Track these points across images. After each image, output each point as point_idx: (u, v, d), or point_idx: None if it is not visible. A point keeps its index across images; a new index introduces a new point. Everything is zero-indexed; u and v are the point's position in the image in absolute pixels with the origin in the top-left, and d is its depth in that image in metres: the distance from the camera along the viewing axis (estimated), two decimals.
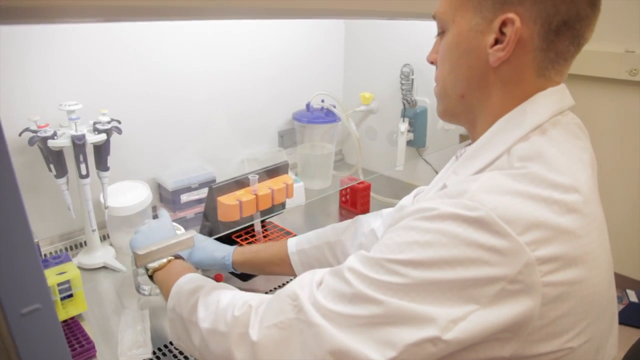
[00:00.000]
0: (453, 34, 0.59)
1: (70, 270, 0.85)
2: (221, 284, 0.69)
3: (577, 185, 0.51)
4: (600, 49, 1.70)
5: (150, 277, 0.82)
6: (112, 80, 1.12)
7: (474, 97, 0.60)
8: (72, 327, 0.86)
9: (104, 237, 1.16)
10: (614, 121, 1.77)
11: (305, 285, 0.55)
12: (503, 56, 0.55)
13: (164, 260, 0.79)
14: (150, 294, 0.98)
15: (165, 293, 0.73)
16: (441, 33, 0.62)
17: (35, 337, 0.53)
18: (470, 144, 0.63)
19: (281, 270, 0.94)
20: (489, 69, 0.57)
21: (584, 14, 0.54)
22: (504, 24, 0.54)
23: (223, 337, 0.58)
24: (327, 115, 1.44)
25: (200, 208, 1.25)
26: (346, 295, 0.51)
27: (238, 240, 1.09)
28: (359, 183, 1.36)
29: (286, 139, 1.55)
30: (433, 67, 1.49)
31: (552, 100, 0.57)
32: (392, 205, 1.42)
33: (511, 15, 0.53)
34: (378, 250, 0.52)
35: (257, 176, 1.05)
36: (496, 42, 0.55)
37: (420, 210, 0.51)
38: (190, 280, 0.71)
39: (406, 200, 0.89)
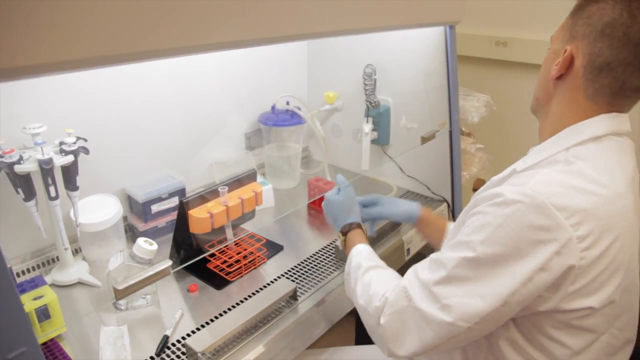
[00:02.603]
0: (548, 52, 0.80)
1: (46, 294, 0.87)
2: (374, 262, 0.92)
3: (614, 184, 0.68)
4: None
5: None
6: (75, 94, 1.11)
7: (542, 101, 0.81)
8: (52, 349, 0.88)
9: (76, 251, 1.17)
10: None
11: (413, 279, 0.76)
12: (556, 71, 0.75)
13: (342, 237, 1.05)
14: (127, 309, 1.01)
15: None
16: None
17: None
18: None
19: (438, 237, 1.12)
20: (550, 81, 0.77)
21: (627, 61, 0.68)
22: (565, 51, 0.74)
23: (370, 316, 0.81)
24: (293, 117, 1.47)
25: (171, 216, 1.27)
26: (443, 276, 0.70)
27: (209, 249, 1.12)
28: (325, 183, 1.40)
29: (253, 140, 1.57)
30: (395, 67, 1.54)
31: (612, 122, 0.73)
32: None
33: (569, 47, 0.73)
34: (463, 233, 0.71)
35: (227, 188, 1.07)
36: (558, 62, 0.75)
37: (492, 196, 0.69)
38: (358, 253, 0.95)
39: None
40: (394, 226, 1.34)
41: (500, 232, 0.66)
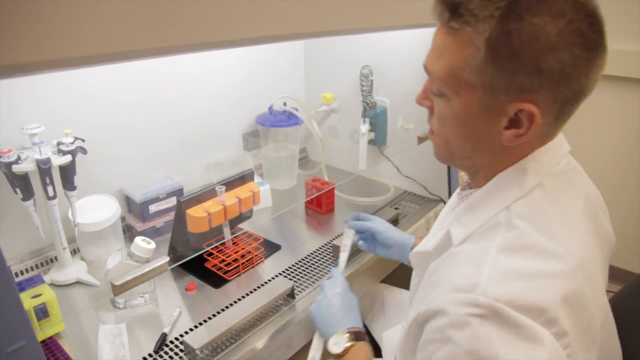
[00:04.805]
0: (460, 108, 0.59)
1: (45, 293, 0.87)
2: None
3: (569, 246, 0.58)
4: (622, 48, 1.73)
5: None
6: (72, 95, 1.12)
7: (480, 159, 0.64)
8: (51, 347, 0.88)
9: (74, 251, 1.17)
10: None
11: None
12: (521, 140, 0.58)
13: (346, 345, 0.82)
14: (125, 307, 1.02)
15: None
16: (440, 95, 0.62)
17: None
18: (469, 183, 0.70)
19: None
20: (500, 144, 0.60)
21: (595, 79, 0.56)
22: (520, 110, 0.56)
23: None
24: (290, 118, 1.48)
25: (169, 216, 1.28)
26: None
27: (208, 248, 1.13)
28: (322, 183, 1.41)
29: (250, 141, 1.58)
30: (391, 68, 1.53)
31: (550, 155, 0.62)
32: (355, 203, 1.49)
33: (530, 107, 0.55)
34: None
35: (224, 187, 1.08)
36: (509, 122, 0.57)
37: (433, 315, 0.56)
38: None
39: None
40: None
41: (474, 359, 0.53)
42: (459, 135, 0.63)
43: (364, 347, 0.83)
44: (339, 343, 0.82)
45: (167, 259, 0.71)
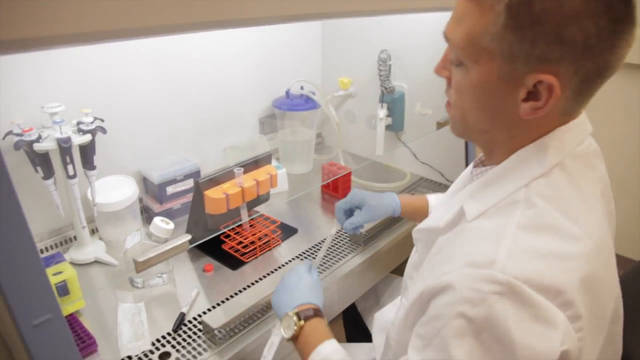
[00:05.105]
0: (478, 77, 0.57)
1: (66, 270, 0.88)
2: None
3: (589, 232, 0.56)
4: None
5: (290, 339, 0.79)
6: (92, 76, 1.12)
7: (498, 134, 0.62)
8: (72, 323, 0.89)
9: (93, 231, 1.18)
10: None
11: None
12: (539, 113, 0.55)
13: (299, 322, 0.77)
14: (143, 287, 1.03)
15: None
16: (458, 64, 0.60)
17: (48, 346, 0.57)
18: (483, 161, 0.68)
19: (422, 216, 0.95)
20: (517, 118, 0.57)
21: (621, 54, 0.53)
22: (539, 82, 0.53)
23: None
24: (307, 102, 1.47)
25: (186, 199, 1.28)
26: None
27: (225, 230, 1.13)
28: (339, 167, 1.41)
29: (267, 125, 1.58)
30: (409, 52, 1.51)
31: (572, 135, 0.60)
32: (371, 189, 1.48)
33: (549, 78, 0.52)
34: (436, 345, 0.54)
35: (242, 169, 1.08)
36: (527, 94, 0.55)
37: (441, 290, 0.54)
38: (327, 357, 0.73)
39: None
40: None
41: (486, 339, 0.51)
42: (476, 107, 0.61)
43: (319, 323, 0.78)
44: (289, 326, 0.78)
45: (189, 237, 0.71)
